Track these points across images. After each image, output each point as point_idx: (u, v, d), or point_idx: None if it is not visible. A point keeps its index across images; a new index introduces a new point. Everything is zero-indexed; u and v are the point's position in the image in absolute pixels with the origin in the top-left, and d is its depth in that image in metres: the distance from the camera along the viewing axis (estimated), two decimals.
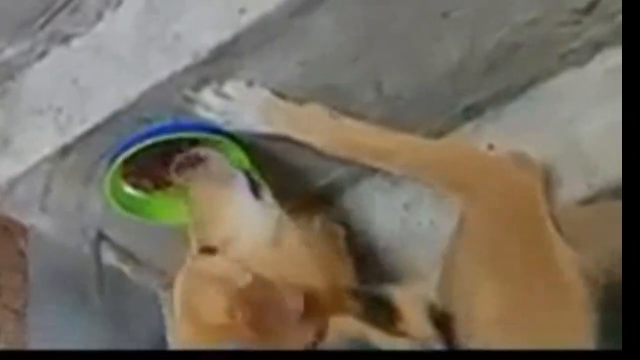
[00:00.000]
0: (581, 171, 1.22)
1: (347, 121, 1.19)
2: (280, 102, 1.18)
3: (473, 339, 1.15)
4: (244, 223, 1.17)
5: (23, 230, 2.10)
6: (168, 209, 1.25)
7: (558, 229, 1.18)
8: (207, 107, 1.17)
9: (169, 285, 1.41)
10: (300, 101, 1.17)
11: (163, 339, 2.26)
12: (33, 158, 1.15)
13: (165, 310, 1.49)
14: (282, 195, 1.21)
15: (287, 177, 1.26)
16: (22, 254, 2.25)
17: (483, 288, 1.16)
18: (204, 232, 1.17)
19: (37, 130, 1.15)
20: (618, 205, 1.20)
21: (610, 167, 1.20)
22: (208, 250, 1.16)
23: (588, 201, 1.25)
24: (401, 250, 1.34)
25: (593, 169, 1.21)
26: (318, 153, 1.18)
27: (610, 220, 1.23)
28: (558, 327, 1.16)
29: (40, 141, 1.15)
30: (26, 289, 2.22)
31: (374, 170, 1.30)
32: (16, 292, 2.29)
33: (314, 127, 1.18)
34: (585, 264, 1.17)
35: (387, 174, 1.32)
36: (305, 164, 1.28)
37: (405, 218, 1.35)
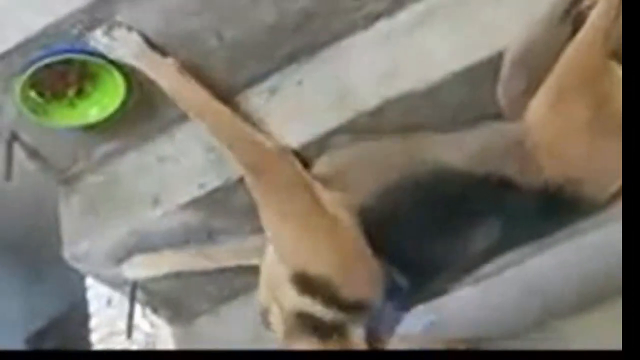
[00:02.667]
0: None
1: (187, 79, 1.65)
2: (147, 49, 1.65)
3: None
4: None
5: None
6: (63, 114, 1.70)
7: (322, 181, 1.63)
8: (97, 42, 1.63)
9: (67, 181, 1.87)
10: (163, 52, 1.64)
11: None
12: None
13: (61, 207, 1.89)
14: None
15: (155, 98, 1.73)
16: None
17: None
18: None
19: None
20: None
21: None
22: None
23: None
24: None
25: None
26: None
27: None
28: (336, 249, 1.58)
29: None
30: None
31: None
32: None
33: (163, 74, 1.65)
34: (347, 201, 1.60)
35: None
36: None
37: None
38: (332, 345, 1.57)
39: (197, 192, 1.72)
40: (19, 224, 3.29)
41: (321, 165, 1.69)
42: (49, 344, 3.38)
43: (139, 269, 1.81)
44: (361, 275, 1.58)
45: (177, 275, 1.84)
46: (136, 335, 2.10)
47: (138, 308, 1.95)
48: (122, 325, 2.03)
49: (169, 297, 1.93)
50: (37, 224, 2.69)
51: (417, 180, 1.61)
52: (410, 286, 1.61)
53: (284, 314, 1.61)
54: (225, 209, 1.74)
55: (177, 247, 1.80)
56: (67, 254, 1.80)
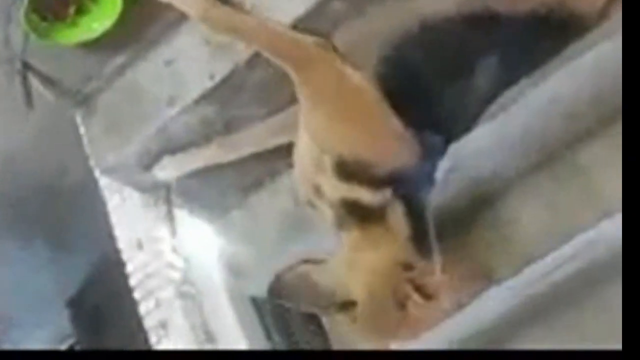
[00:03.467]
0: None
1: (211, 2, 1.69)
2: None
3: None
4: None
5: None
6: (67, 34, 1.79)
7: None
8: None
9: (83, 102, 1.95)
10: None
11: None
12: None
13: (82, 130, 1.99)
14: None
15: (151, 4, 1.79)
16: None
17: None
18: None
19: None
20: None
21: None
22: None
23: None
24: None
25: None
26: None
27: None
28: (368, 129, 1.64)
29: None
30: None
31: None
32: None
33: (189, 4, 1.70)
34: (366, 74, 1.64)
35: None
36: None
37: None
38: (375, 231, 1.65)
39: (208, 84, 1.79)
40: (38, 193, 3.33)
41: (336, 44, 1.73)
42: (89, 303, 3.41)
43: (168, 170, 1.89)
44: (395, 147, 1.64)
45: (205, 170, 1.93)
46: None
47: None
48: (156, 265, 2.10)
49: (201, 195, 2.03)
50: (57, 191, 2.71)
51: (415, 35, 1.68)
52: (439, 141, 1.69)
53: (330, 205, 1.69)
54: (237, 96, 1.82)
55: (200, 144, 1.89)
56: (97, 171, 1.89)
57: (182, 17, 1.79)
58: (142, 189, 1.95)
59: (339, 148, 1.64)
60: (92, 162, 1.90)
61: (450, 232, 1.88)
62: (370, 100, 1.63)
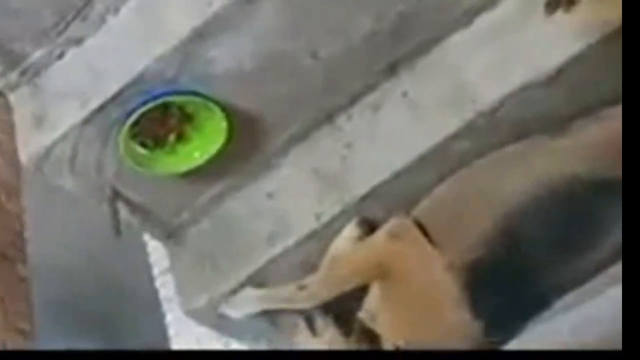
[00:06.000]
0: None
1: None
2: None
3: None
4: None
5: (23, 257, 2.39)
6: (166, 162, 1.62)
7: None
8: None
9: (173, 234, 1.78)
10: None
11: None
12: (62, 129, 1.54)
13: (171, 264, 1.81)
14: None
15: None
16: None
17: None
18: None
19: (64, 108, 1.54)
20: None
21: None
22: None
23: None
24: None
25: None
26: None
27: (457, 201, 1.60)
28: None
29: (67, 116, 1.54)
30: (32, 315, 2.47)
31: None
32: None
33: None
34: (449, 258, 1.53)
35: None
36: None
37: None
38: None
39: (314, 224, 1.63)
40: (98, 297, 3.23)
41: (426, 209, 1.60)
42: None
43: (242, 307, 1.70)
44: (454, 337, 1.55)
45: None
46: None
47: None
48: None
49: None
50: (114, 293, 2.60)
51: (541, 200, 1.51)
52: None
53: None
54: None
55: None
56: (184, 310, 1.71)
57: (288, 146, 1.65)
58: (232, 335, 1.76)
59: (399, 337, 1.57)
60: (180, 301, 1.71)
61: None
62: (442, 295, 1.52)
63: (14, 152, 1.55)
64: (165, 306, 2.16)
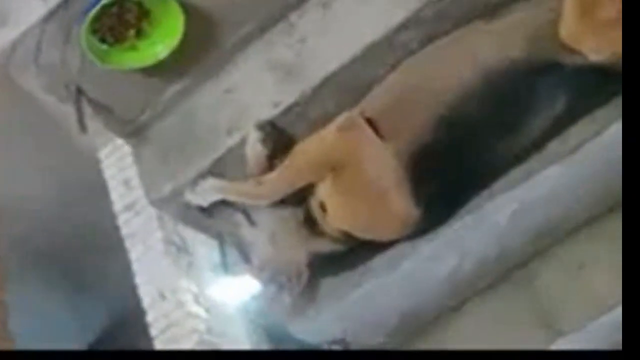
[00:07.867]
0: None
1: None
2: None
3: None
4: None
5: None
6: (126, 58, 1.69)
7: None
8: None
9: (136, 132, 1.86)
10: None
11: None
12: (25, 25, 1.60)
13: (134, 160, 1.88)
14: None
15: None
16: None
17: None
18: None
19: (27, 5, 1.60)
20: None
21: None
22: None
23: None
24: None
25: None
26: None
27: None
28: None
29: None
30: None
31: None
32: None
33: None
34: (396, 148, 1.62)
35: None
36: None
37: None
38: None
39: (272, 112, 1.71)
40: (59, 234, 3.24)
41: (374, 100, 1.69)
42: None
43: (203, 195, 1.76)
44: (395, 229, 1.68)
45: None
46: None
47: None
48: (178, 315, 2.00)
49: None
50: (76, 232, 2.63)
51: (479, 84, 1.61)
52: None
53: None
54: (302, 124, 1.73)
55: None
56: (150, 200, 1.79)
57: (245, 42, 1.72)
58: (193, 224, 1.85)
59: (344, 223, 1.67)
60: (146, 193, 1.80)
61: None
62: (389, 183, 1.63)
63: None
64: (128, 242, 2.19)
